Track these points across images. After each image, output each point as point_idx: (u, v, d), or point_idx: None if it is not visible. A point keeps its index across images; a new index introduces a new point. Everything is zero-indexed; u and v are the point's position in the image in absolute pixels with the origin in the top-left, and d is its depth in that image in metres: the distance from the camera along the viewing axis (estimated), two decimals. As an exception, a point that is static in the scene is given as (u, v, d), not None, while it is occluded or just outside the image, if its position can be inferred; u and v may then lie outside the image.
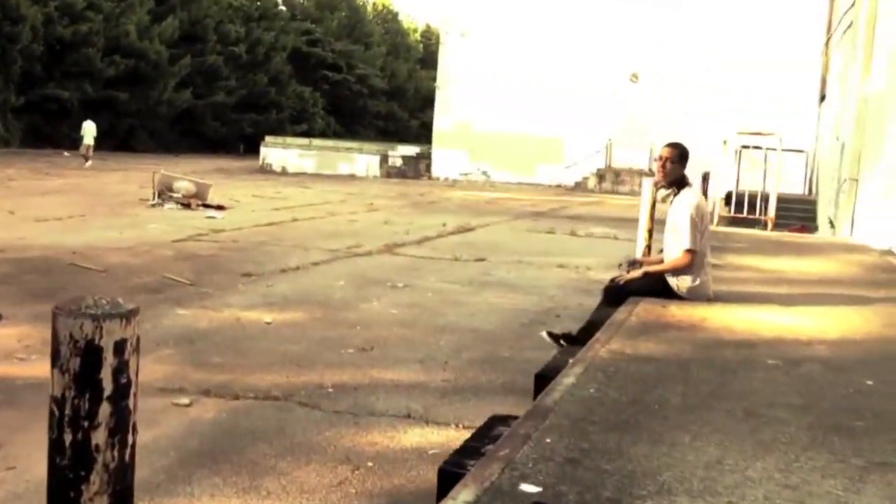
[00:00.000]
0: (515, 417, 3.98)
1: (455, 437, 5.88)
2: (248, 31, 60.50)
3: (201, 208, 20.14)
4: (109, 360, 2.14)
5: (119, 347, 2.15)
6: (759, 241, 13.34)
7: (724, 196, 25.23)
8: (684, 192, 7.10)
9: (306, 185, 31.80)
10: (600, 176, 41.04)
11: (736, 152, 23.82)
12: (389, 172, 42.49)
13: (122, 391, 2.18)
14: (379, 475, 5.16)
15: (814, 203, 25.41)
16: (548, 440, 3.41)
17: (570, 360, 4.80)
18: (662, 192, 7.29)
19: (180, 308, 9.36)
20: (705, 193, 24.51)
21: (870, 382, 4.83)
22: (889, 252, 11.88)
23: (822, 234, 19.89)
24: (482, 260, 14.40)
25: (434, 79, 50.72)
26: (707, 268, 7.17)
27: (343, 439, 5.73)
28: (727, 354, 5.26)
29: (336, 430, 5.90)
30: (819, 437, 3.81)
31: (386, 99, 75.79)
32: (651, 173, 39.96)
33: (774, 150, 20.62)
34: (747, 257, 10.68)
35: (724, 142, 23.98)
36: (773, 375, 4.87)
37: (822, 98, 30.60)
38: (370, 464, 5.31)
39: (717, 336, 5.82)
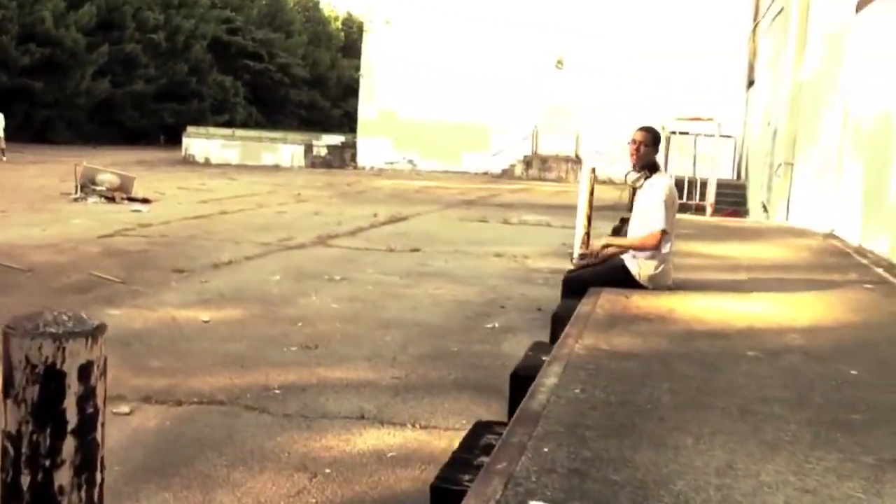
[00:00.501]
0: (500, 423, 3.72)
1: (413, 437, 5.63)
2: (167, 18, 59.20)
3: (126, 202, 19.49)
4: (74, 386, 1.83)
5: (84, 371, 1.84)
6: (702, 226, 13.24)
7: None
8: (656, 176, 7.00)
9: (232, 177, 31.21)
10: (527, 163, 40.99)
11: (666, 138, 23.88)
12: (314, 162, 42.00)
13: (88, 423, 1.87)
14: (338, 482, 4.88)
15: (744, 187, 25.63)
16: (545, 449, 3.16)
17: (545, 358, 4.55)
18: (633, 176, 7.17)
19: (112, 308, 8.91)
20: (636, 179, 24.55)
21: (854, 372, 4.72)
22: (831, 235, 11.88)
23: (755, 217, 20.01)
24: (417, 250, 14.14)
25: (356, 68, 50.21)
26: (670, 255, 7.03)
27: (296, 444, 5.43)
28: (704, 347, 5.09)
29: (288, 434, 5.60)
30: (822, 435, 3.66)
31: (308, 88, 74.97)
32: (578, 160, 40.20)
33: (711, 136, 20.72)
34: (695, 243, 10.57)
35: (664, 127, 24.05)
36: (756, 368, 4.73)
37: (751, 84, 30.86)
38: (328, 470, 5.02)
39: (689, 327, 5.65)
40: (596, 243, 7.16)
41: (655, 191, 6.89)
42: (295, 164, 41.22)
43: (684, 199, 19.66)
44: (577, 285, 6.91)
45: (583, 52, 40.14)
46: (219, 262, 12.09)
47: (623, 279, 6.84)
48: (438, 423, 5.93)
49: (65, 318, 1.85)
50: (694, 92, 36.15)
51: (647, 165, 7.07)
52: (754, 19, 30.14)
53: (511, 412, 4.42)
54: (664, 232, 6.81)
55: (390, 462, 5.19)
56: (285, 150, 42.12)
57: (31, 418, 1.80)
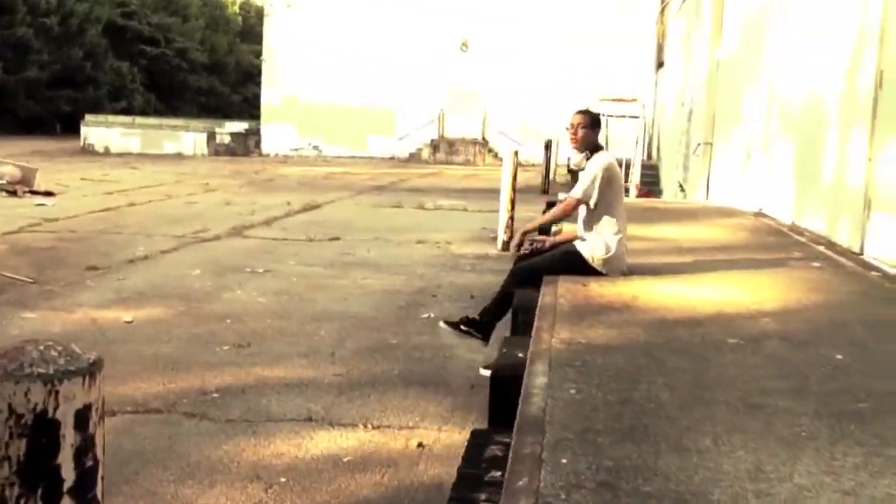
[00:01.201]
0: (498, 431, 3.44)
1: (367, 439, 5.35)
2: (60, 1, 57.21)
3: (29, 195, 18.67)
4: (69, 437, 1.49)
5: (82, 418, 1.51)
6: (630, 207, 13.09)
7: (565, 163, 25.42)
8: (597, 154, 6.84)
9: (134, 166, 30.30)
10: (434, 146, 40.73)
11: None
12: (218, 150, 41.07)
13: (87, 478, 1.53)
14: (296, 492, 4.57)
15: (656, 168, 25.77)
16: (563, 460, 2.91)
17: (522, 355, 4.29)
18: (576, 158, 7.08)
19: (26, 311, 8.38)
20: (548, 161, 24.58)
21: (840, 357, 4.62)
22: (761, 214, 11.86)
23: (668, 198, 20.08)
24: (337, 239, 13.82)
25: (255, 53, 49.27)
26: (624, 237, 6.89)
27: (245, 453, 5.09)
28: (682, 336, 4.93)
29: (234, 442, 5.25)
30: (836, 427, 3.53)
31: (206, 74, 73.29)
32: (485, 143, 40.12)
33: (633, 117, 20.76)
34: (631, 226, 10.40)
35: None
36: (742, 357, 4.62)
37: (660, 65, 31.03)
38: (283, 479, 4.72)
39: (659, 315, 5.48)
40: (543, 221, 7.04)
41: (592, 165, 6.84)
42: (198, 152, 40.27)
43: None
44: (525, 275, 6.68)
45: (488, 35, 39.95)
46: (134, 257, 11.59)
47: (576, 265, 6.65)
48: (391, 422, 5.66)
49: (53, 353, 1.51)
50: (603, 74, 36.22)
51: (588, 147, 6.95)
52: (662, 2, 30.30)
53: (493, 414, 4.18)
54: (577, 200, 6.80)
55: (348, 467, 4.90)
56: (188, 137, 41.09)
57: (17, 479, 1.47)
